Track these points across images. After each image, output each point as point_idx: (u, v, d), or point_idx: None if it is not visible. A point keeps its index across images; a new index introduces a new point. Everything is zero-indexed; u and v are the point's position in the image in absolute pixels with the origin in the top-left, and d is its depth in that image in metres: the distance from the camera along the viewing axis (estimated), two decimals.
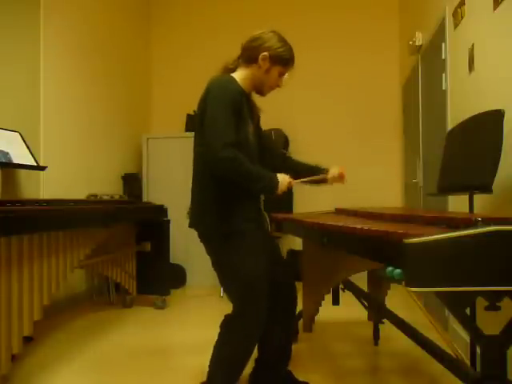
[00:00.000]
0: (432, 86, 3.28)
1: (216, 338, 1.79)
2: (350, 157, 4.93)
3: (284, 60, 1.76)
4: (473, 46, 2.36)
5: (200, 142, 1.71)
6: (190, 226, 1.81)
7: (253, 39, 1.76)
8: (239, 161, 1.60)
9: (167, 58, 5.36)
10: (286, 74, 1.83)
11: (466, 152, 1.94)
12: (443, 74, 2.90)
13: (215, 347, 1.78)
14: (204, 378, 1.80)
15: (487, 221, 0.98)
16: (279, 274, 1.88)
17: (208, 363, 1.78)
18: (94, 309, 3.58)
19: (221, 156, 1.56)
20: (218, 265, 1.79)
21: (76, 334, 2.94)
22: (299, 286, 2.12)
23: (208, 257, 1.83)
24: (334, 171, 1.97)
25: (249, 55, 1.76)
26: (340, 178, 1.97)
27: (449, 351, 1.51)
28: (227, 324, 1.78)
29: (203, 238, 1.81)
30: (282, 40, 1.76)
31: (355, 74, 4.99)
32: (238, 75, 1.77)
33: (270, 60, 1.73)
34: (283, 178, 1.70)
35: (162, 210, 3.69)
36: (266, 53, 1.72)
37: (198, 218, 1.77)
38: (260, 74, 1.76)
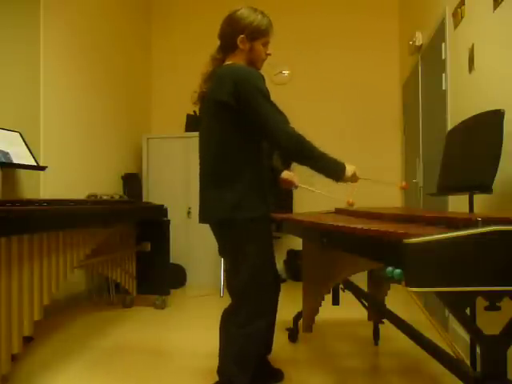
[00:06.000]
0: (432, 85, 3.28)
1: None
2: (350, 157, 4.90)
3: (261, 31, 1.77)
4: (473, 46, 2.36)
5: (222, 128, 1.72)
6: (218, 217, 1.76)
7: (225, 25, 1.80)
8: (303, 136, 1.66)
9: (167, 58, 5.36)
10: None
11: (466, 152, 1.94)
12: (443, 74, 2.90)
13: (225, 346, 1.77)
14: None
15: (487, 221, 0.98)
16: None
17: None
18: (94, 309, 3.58)
19: (289, 129, 1.62)
20: (236, 251, 1.77)
21: (76, 333, 2.94)
22: (299, 285, 2.13)
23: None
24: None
25: (228, 44, 1.79)
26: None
27: (449, 351, 1.51)
28: (233, 319, 1.77)
29: (228, 224, 1.75)
30: (250, 13, 1.77)
31: (355, 74, 4.99)
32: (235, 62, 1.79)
33: (248, 39, 1.76)
34: (350, 167, 1.72)
35: (161, 210, 3.69)
36: (241, 35, 1.75)
37: (231, 206, 1.72)
38: (246, 54, 1.79)
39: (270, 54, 1.85)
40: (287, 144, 1.64)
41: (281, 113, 1.68)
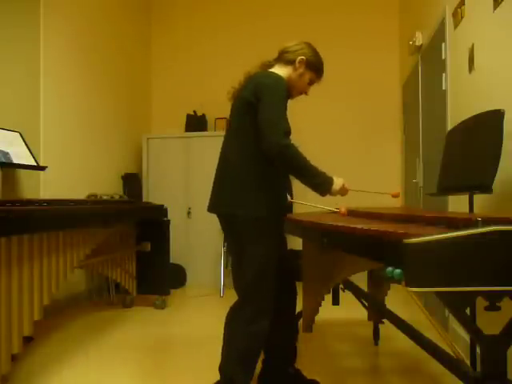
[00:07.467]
0: (432, 85, 3.29)
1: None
2: (350, 157, 4.94)
3: (317, 68, 1.92)
4: (473, 46, 2.36)
5: (245, 127, 1.76)
6: (223, 210, 1.81)
7: (292, 45, 1.92)
8: (298, 150, 1.67)
9: (167, 58, 5.36)
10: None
11: (466, 152, 1.94)
12: (443, 74, 2.90)
13: (227, 344, 1.77)
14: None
15: (487, 221, 0.98)
16: (285, 268, 1.95)
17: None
18: (94, 309, 3.58)
19: (284, 143, 1.63)
20: (239, 248, 1.78)
21: (76, 333, 2.94)
22: (299, 285, 2.13)
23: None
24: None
25: (287, 57, 1.89)
26: None
27: (449, 351, 1.51)
28: (237, 317, 1.77)
29: (237, 221, 1.77)
30: (317, 51, 1.95)
31: (355, 73, 4.99)
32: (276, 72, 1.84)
33: (305, 64, 1.88)
34: (338, 180, 1.76)
35: (161, 210, 3.69)
36: (303, 57, 1.87)
37: (237, 202, 1.75)
38: (294, 76, 1.88)
39: (306, 94, 1.96)
40: (276, 154, 1.65)
41: (286, 121, 1.68)
